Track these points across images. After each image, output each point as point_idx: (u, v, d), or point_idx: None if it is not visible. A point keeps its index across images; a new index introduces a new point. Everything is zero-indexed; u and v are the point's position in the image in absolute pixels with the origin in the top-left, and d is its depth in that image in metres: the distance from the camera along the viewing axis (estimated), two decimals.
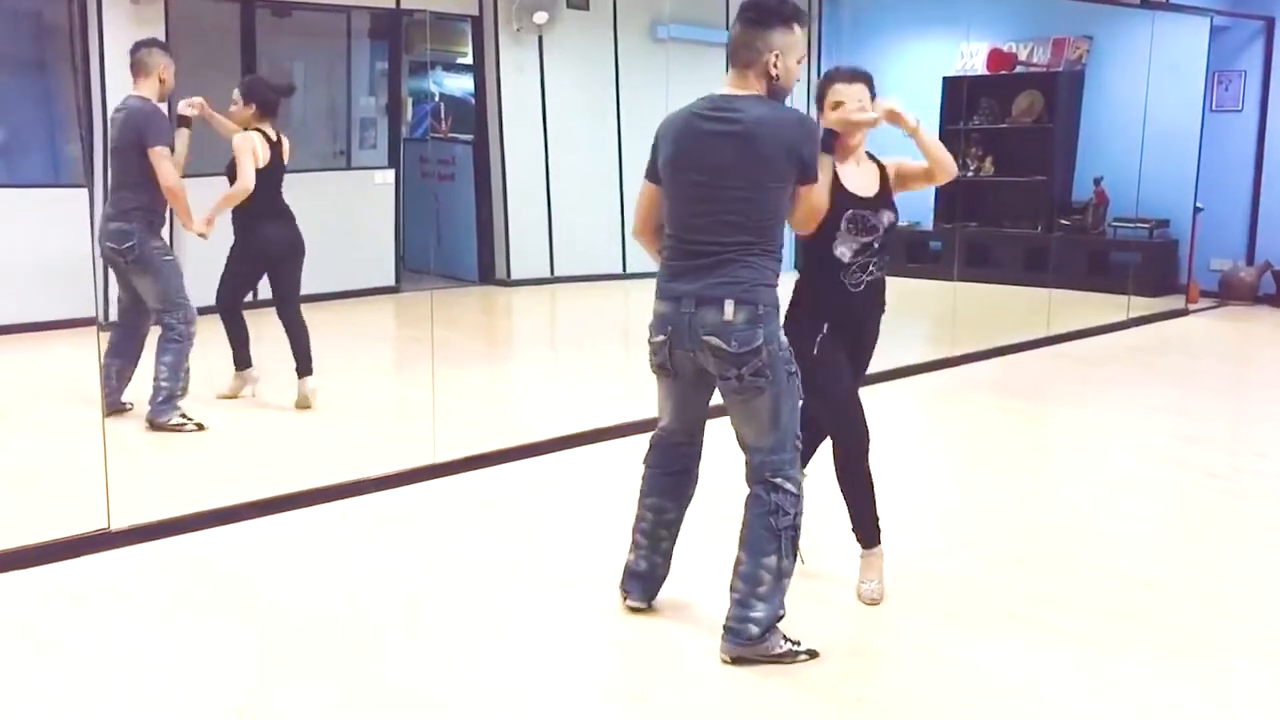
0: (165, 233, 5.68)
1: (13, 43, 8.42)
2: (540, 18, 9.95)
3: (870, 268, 3.57)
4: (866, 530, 3.72)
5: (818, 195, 3.32)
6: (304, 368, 5.91)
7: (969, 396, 6.58)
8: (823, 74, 3.67)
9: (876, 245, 3.56)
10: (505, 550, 4.12)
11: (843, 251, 3.52)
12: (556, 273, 10.54)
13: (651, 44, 10.45)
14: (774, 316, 3.24)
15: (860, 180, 3.58)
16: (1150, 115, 9.62)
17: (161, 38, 7.63)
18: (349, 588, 3.77)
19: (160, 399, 5.47)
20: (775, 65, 3.20)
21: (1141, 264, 9.97)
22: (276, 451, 5.31)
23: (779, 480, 3.25)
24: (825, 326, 3.54)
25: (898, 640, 3.42)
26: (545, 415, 5.92)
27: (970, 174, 10.55)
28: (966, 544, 4.24)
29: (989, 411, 6.34)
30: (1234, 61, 10.04)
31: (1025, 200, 10.62)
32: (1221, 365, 8.14)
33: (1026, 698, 3.06)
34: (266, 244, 5.83)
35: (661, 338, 3.30)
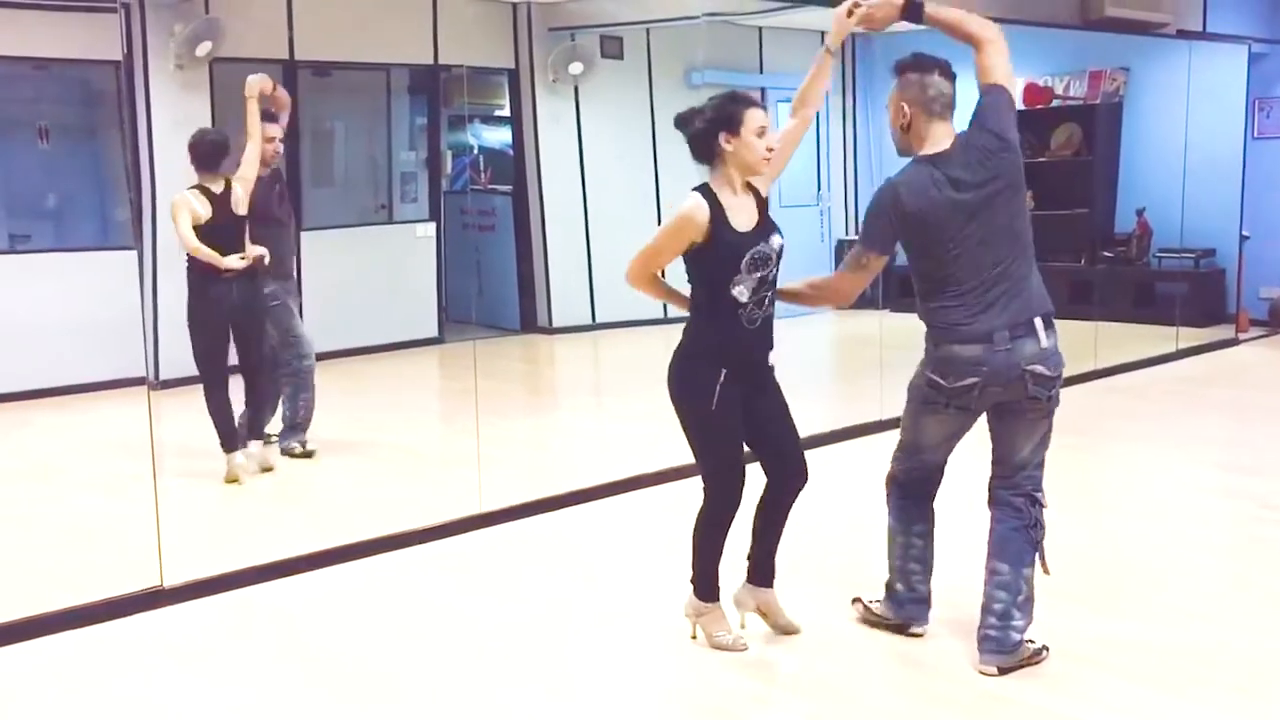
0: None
1: (63, 110, 8.63)
2: (576, 68, 10.05)
3: (765, 303, 3.51)
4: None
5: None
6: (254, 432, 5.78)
7: None
8: (731, 95, 3.52)
9: (771, 278, 3.50)
10: (557, 597, 4.10)
11: (739, 290, 3.44)
12: (598, 319, 10.57)
13: (686, 90, 10.51)
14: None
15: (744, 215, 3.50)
16: (1191, 144, 9.54)
17: (206, 102, 7.81)
18: (404, 638, 3.77)
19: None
20: None
21: (1189, 294, 9.85)
22: (324, 504, 5.34)
23: (1039, 495, 3.50)
24: (723, 373, 3.48)
25: (959, 684, 3.37)
26: (591, 462, 5.92)
27: None
28: None
29: None
30: (1274, 88, 9.96)
31: (1067, 233, 10.53)
32: (1273, 395, 7.99)
33: None
34: (216, 303, 5.55)
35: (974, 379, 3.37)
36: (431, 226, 9.70)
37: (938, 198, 3.32)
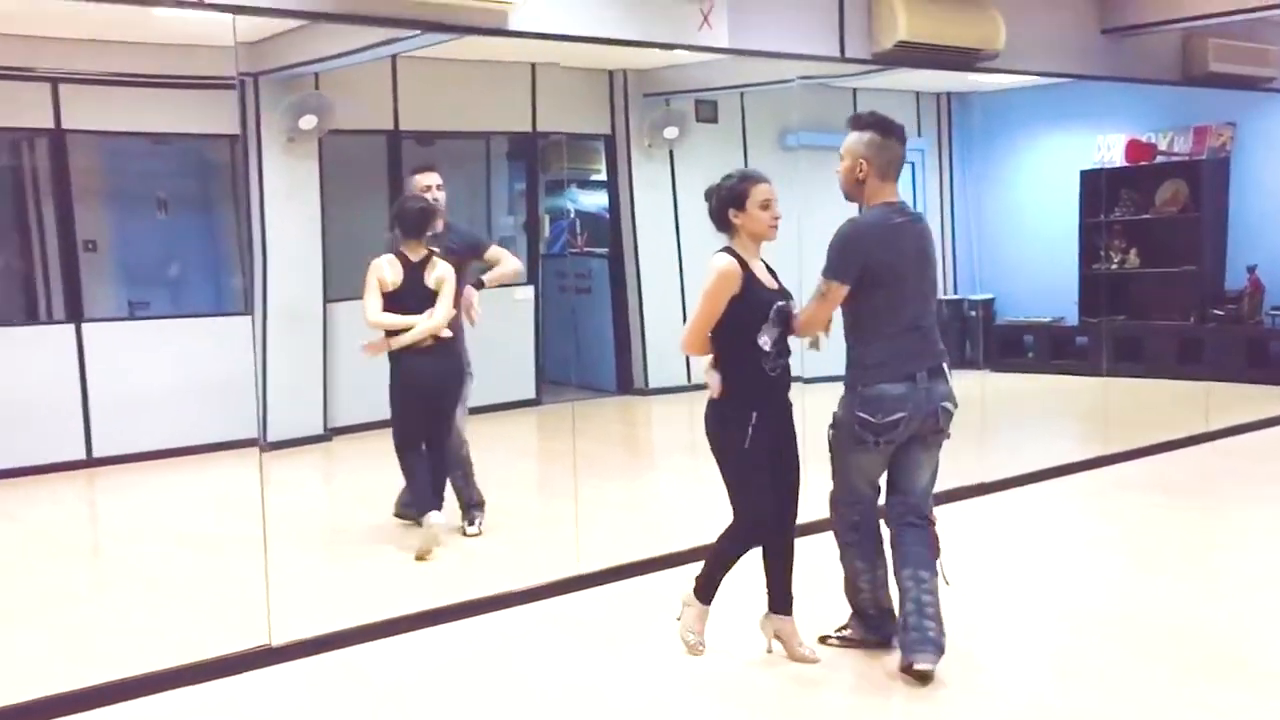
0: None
1: (180, 182, 9.00)
2: (671, 133, 10.18)
3: (783, 354, 3.94)
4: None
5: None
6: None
7: (1126, 496, 6.32)
8: (741, 175, 3.99)
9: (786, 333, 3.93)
10: (655, 657, 4.09)
11: (764, 340, 3.86)
12: (694, 380, 10.55)
13: (781, 152, 10.55)
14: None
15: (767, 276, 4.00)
16: None
17: (315, 173, 8.08)
18: (506, 697, 3.79)
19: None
20: None
21: None
22: (426, 565, 5.40)
23: (933, 516, 3.93)
24: (754, 415, 3.86)
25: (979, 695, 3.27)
26: (688, 523, 5.90)
27: (1114, 266, 10.30)
28: (1137, 651, 4.04)
29: (1149, 510, 6.08)
30: None
31: (1174, 291, 10.29)
32: None
33: None
34: (411, 375, 5.44)
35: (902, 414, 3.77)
36: (530, 290, 9.85)
37: (904, 237, 3.80)
